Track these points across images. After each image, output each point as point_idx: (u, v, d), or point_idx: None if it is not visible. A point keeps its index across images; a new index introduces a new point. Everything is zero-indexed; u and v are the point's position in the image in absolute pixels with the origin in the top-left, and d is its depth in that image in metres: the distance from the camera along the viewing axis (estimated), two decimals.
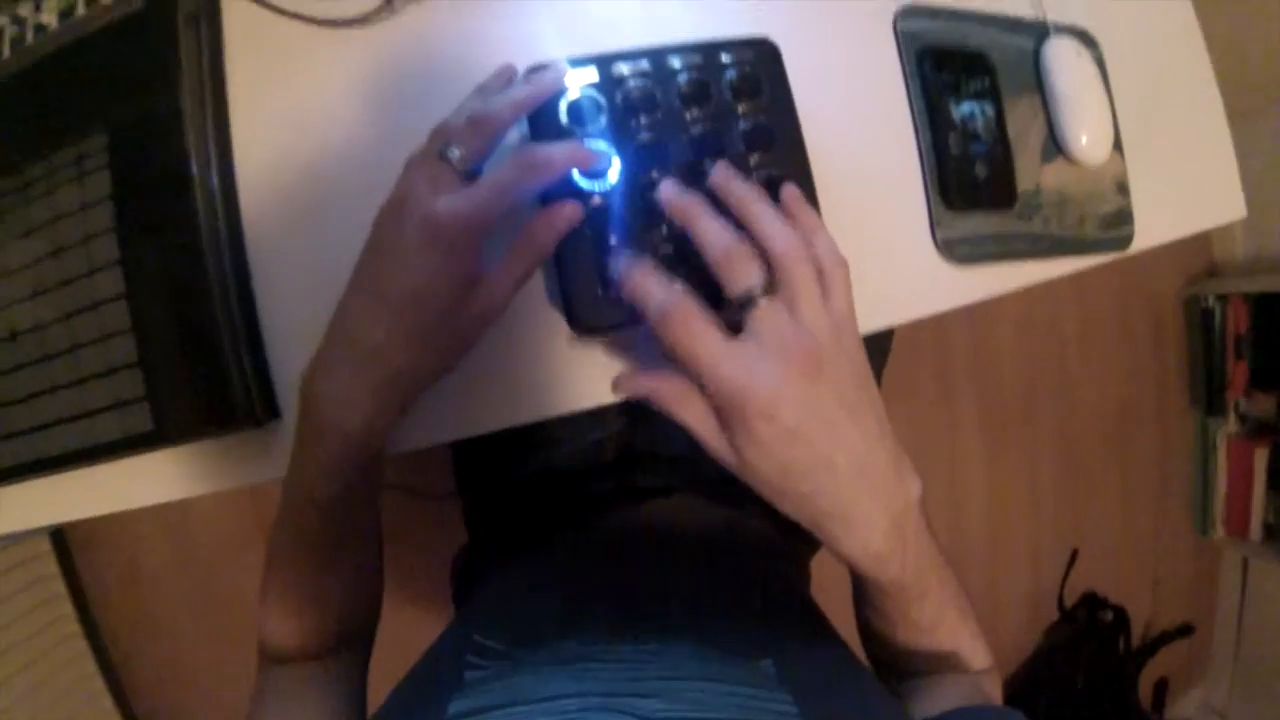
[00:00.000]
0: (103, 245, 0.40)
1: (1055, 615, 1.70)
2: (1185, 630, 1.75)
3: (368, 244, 0.35)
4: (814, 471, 0.32)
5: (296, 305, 0.42)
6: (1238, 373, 1.65)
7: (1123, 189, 0.52)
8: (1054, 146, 0.51)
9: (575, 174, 0.37)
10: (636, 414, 0.61)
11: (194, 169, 0.40)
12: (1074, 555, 1.70)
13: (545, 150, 0.35)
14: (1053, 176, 0.50)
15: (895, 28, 0.48)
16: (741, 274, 0.33)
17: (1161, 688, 1.76)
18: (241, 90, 0.43)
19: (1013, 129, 0.49)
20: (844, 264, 0.35)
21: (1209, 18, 0.57)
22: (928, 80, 0.47)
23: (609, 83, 0.39)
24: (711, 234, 0.34)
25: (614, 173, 0.38)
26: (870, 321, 0.45)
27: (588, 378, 0.43)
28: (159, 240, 0.40)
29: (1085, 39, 0.52)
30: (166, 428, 0.40)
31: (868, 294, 0.37)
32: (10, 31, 0.43)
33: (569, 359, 0.43)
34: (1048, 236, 0.50)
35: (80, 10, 0.43)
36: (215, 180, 0.41)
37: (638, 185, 0.38)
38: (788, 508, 0.34)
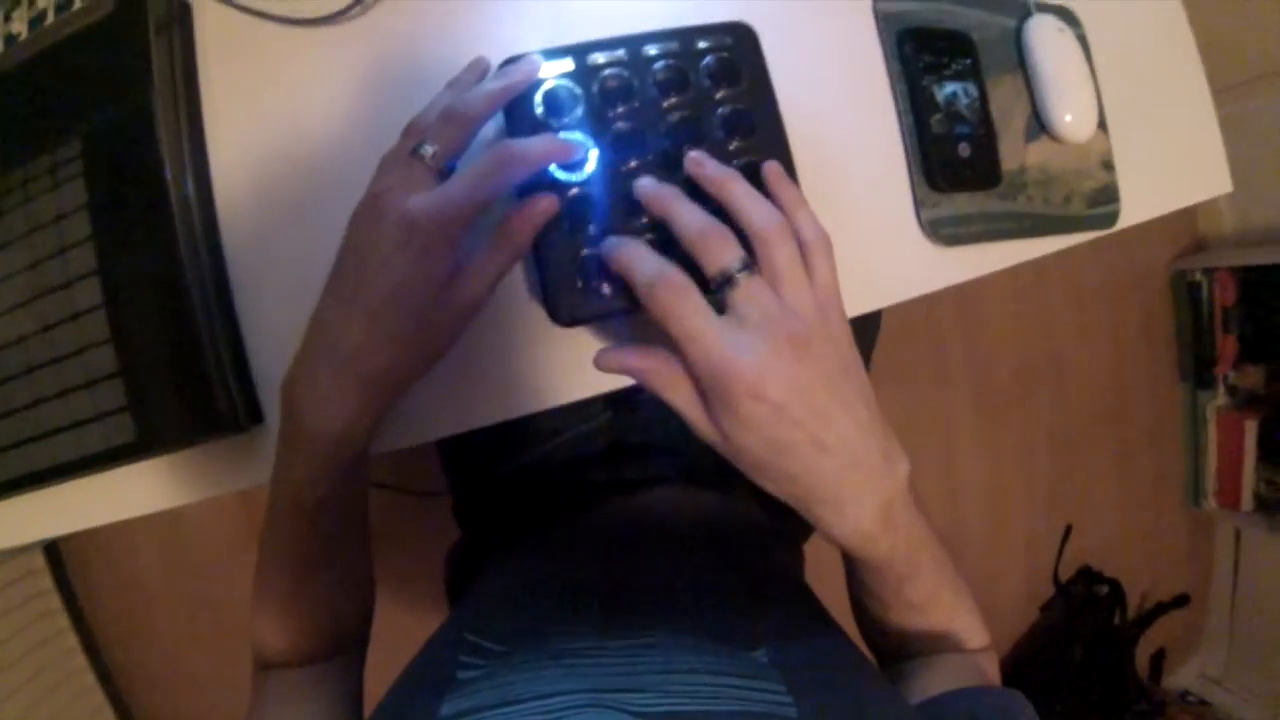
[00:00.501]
0: (80, 256, 0.40)
1: (1051, 590, 1.72)
2: (1180, 601, 1.77)
3: (343, 245, 0.35)
4: (801, 451, 0.32)
5: (277, 308, 0.41)
6: (1226, 346, 1.66)
7: (1108, 166, 0.52)
8: (1038, 125, 0.51)
9: (552, 166, 0.37)
10: (623, 405, 0.61)
11: (168, 175, 0.39)
12: (1068, 530, 1.72)
13: (520, 145, 0.35)
14: (1037, 155, 0.50)
15: (874, 9, 0.47)
16: (718, 253, 0.33)
17: (1159, 659, 1.79)
18: (215, 94, 0.42)
19: (996, 108, 0.49)
20: (827, 239, 0.35)
21: None
22: (908, 61, 0.47)
23: (585, 73, 0.38)
24: (685, 217, 0.34)
25: (592, 163, 0.37)
26: (856, 304, 0.45)
27: (572, 371, 0.43)
28: (136, 249, 0.40)
29: (1067, 16, 0.51)
30: (150, 437, 0.40)
31: (853, 277, 0.37)
32: None
33: (552, 352, 0.42)
34: (1033, 215, 0.50)
35: (50, 18, 0.42)
36: (190, 186, 0.40)
37: (617, 175, 0.37)
38: (775, 488, 0.34)
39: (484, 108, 0.36)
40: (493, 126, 0.39)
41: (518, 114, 0.38)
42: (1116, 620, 1.68)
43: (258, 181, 0.42)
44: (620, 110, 0.38)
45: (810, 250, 0.34)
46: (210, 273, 0.40)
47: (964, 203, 0.48)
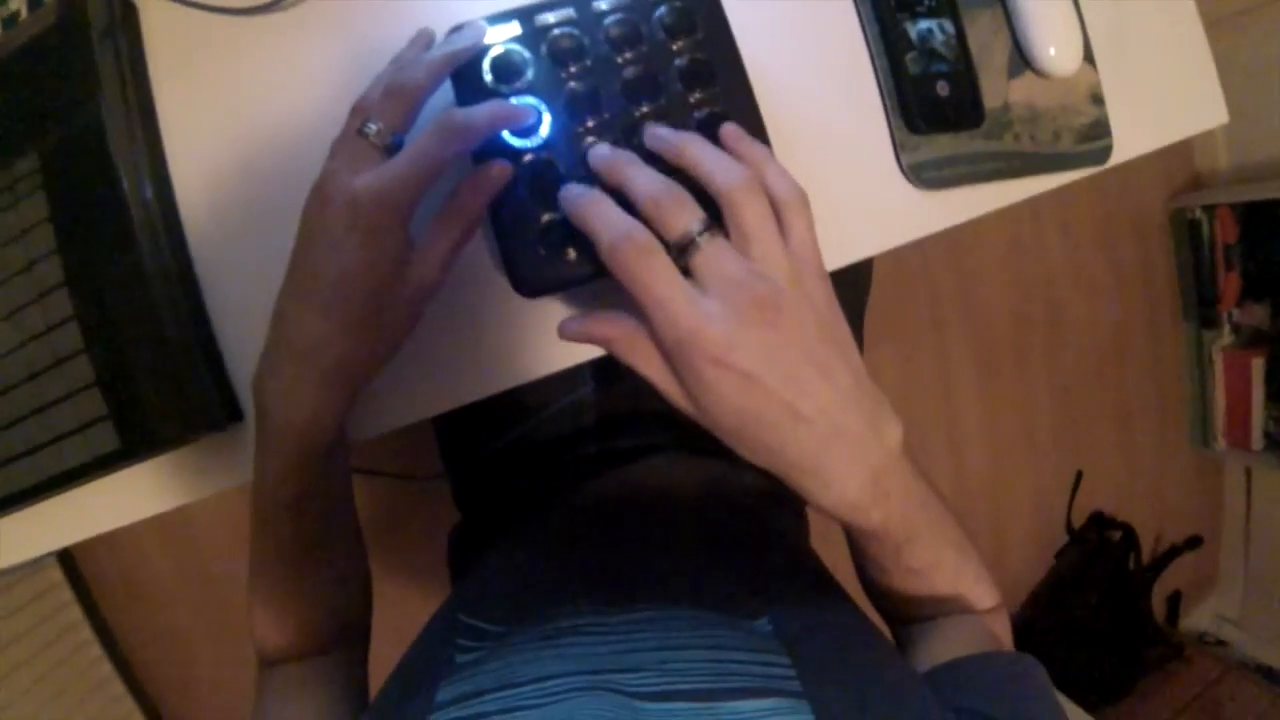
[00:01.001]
0: (47, 269, 0.40)
1: (1064, 539, 1.72)
2: (1194, 543, 1.77)
3: (297, 235, 0.34)
4: (777, 422, 0.31)
5: (247, 304, 0.41)
6: (1229, 284, 1.64)
7: (1097, 100, 0.50)
8: (1020, 60, 0.48)
9: (505, 133, 0.35)
10: (607, 373, 0.60)
11: (124, 183, 0.39)
12: (1079, 477, 1.71)
13: (464, 113, 0.34)
14: (1021, 91, 0.48)
15: None
16: (675, 217, 0.31)
17: (1174, 601, 1.79)
18: (168, 95, 0.42)
19: (975, 44, 0.46)
20: (802, 194, 0.33)
21: None
22: None
23: (533, 35, 0.37)
24: (640, 181, 0.32)
25: (546, 127, 0.36)
26: (838, 256, 0.44)
27: (544, 342, 0.42)
28: (101, 257, 0.40)
29: None
30: (133, 444, 0.40)
31: (833, 227, 0.36)
32: None
33: (523, 324, 0.42)
34: (1020, 154, 0.48)
35: None
36: (149, 191, 0.40)
37: (574, 138, 0.36)
38: (755, 459, 0.32)
39: (427, 79, 0.34)
40: (444, 99, 0.37)
41: (466, 82, 0.36)
42: (1130, 565, 1.68)
43: (218, 179, 0.42)
44: (573, 70, 0.36)
45: (784, 207, 0.33)
46: (177, 275, 0.40)
47: (946, 144, 0.46)
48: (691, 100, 0.37)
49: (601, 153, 0.34)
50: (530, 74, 0.36)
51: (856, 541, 0.38)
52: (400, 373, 0.41)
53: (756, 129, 0.37)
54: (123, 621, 1.26)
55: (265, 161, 0.41)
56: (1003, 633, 0.41)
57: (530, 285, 0.36)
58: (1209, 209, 1.64)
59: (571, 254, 0.35)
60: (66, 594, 1.19)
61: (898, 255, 0.45)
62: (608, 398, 0.60)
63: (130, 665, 1.26)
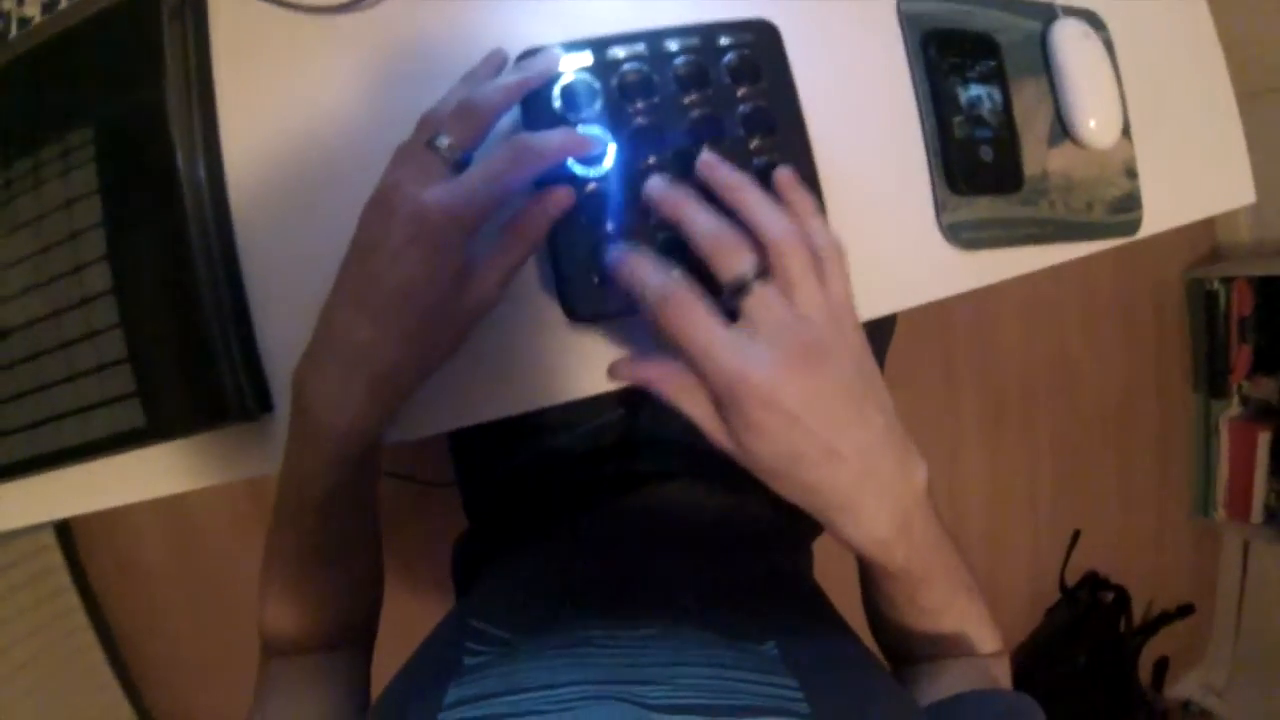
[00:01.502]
0: (90, 241, 0.40)
1: (1057, 595, 1.71)
2: (1185, 610, 1.76)
3: (354, 238, 0.34)
4: (816, 461, 0.32)
5: (288, 297, 0.41)
6: (1241, 356, 1.64)
7: (1131, 173, 0.51)
8: (1061, 130, 0.50)
9: (570, 160, 0.36)
10: (636, 399, 0.61)
11: (180, 162, 0.39)
12: (1076, 536, 1.71)
13: (538, 138, 0.34)
14: (1060, 160, 0.49)
15: (898, 9, 0.47)
16: (732, 261, 0.32)
17: (1162, 667, 1.78)
18: (229, 81, 0.42)
19: (1019, 112, 0.48)
20: (840, 248, 0.34)
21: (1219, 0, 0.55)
22: (932, 63, 0.46)
23: (604, 67, 0.38)
24: (699, 223, 0.33)
25: (609, 158, 0.37)
26: (873, 307, 0.45)
27: (585, 366, 0.42)
28: (146, 234, 0.39)
29: (1093, 20, 0.51)
30: (158, 424, 0.40)
31: (871, 279, 0.37)
32: None
33: (566, 347, 0.42)
34: (1054, 221, 0.49)
35: (64, 3, 0.42)
36: (202, 173, 0.40)
37: (634, 171, 0.37)
38: (790, 495, 0.33)
39: (501, 101, 0.35)
40: (509, 121, 0.38)
41: (535, 107, 0.37)
42: (1121, 627, 1.67)
43: (271, 170, 0.42)
44: (639, 106, 0.37)
45: (823, 259, 0.34)
46: (221, 260, 0.40)
47: (984, 207, 0.47)
48: (751, 146, 0.38)
49: (657, 185, 0.35)
50: (598, 105, 0.37)
51: (873, 577, 0.39)
52: (437, 383, 0.40)
53: (810, 179, 0.38)
54: (109, 596, 1.25)
55: (319, 159, 0.42)
56: (1003, 677, 0.42)
57: (581, 312, 0.37)
58: (1227, 280, 1.65)
59: None
60: (56, 557, 1.18)
61: (921, 305, 0.46)
62: (632, 422, 0.61)
63: (111, 634, 1.25)
